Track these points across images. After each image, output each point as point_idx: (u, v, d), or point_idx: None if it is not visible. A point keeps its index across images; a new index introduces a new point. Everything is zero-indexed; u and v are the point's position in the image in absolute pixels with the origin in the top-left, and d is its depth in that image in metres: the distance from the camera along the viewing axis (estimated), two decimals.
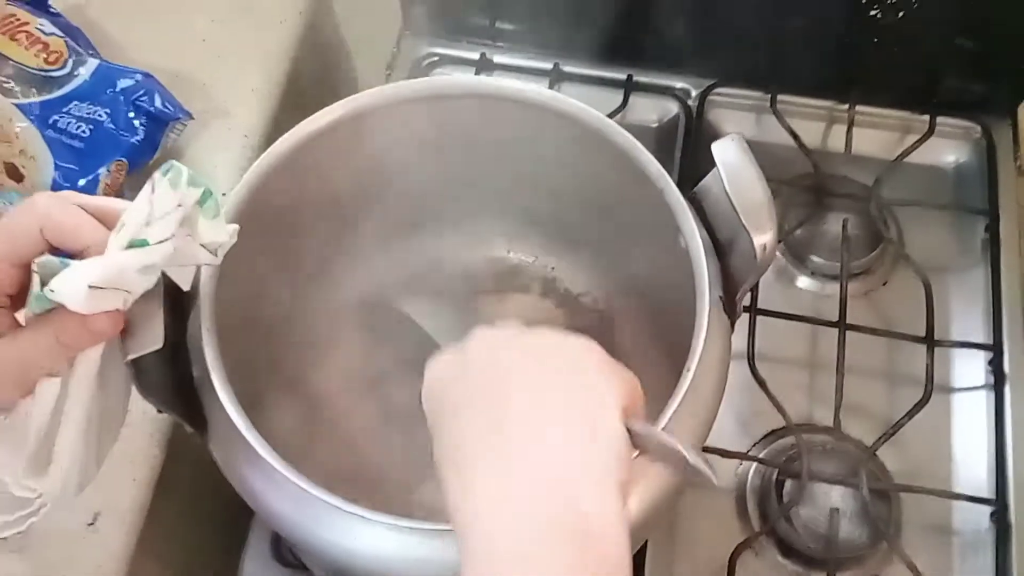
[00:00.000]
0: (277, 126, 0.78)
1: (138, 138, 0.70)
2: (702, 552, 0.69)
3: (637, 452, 0.40)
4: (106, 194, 0.69)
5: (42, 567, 0.60)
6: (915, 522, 0.70)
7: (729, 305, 0.51)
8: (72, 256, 0.42)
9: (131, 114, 0.70)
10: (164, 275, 0.44)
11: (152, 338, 0.42)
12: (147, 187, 0.41)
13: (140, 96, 0.71)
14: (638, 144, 0.53)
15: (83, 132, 0.69)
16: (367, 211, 0.60)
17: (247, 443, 0.44)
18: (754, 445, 0.73)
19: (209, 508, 0.69)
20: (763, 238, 0.48)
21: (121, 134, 0.70)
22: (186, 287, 0.46)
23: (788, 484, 0.69)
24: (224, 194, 0.57)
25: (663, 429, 0.45)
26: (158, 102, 0.71)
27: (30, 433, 0.43)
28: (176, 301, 0.47)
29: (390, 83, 0.56)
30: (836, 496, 0.69)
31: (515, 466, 0.37)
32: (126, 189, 0.71)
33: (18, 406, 0.43)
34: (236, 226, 0.44)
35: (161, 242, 0.42)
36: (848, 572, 0.68)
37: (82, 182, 0.68)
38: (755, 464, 0.71)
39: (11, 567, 0.60)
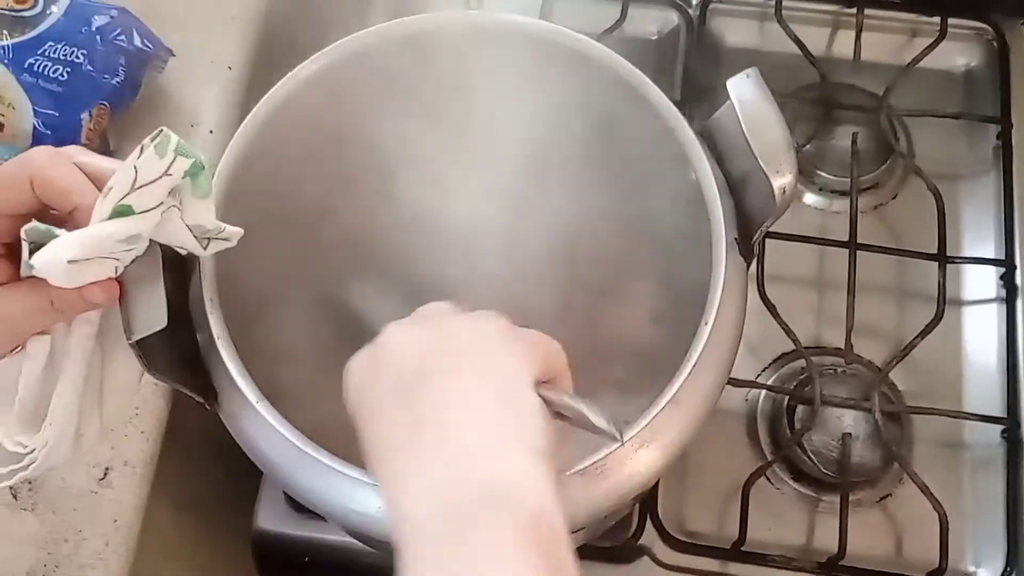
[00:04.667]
0: (262, 55, 0.75)
1: (118, 79, 0.67)
2: (714, 480, 0.69)
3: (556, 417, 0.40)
4: (89, 139, 0.66)
5: (58, 526, 0.60)
6: (926, 441, 0.71)
7: (745, 247, 0.50)
8: (60, 219, 0.42)
9: (110, 54, 0.67)
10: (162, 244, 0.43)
11: (155, 318, 0.41)
12: (135, 152, 0.40)
13: (117, 35, 0.67)
14: (648, 80, 0.51)
15: (61, 75, 0.66)
16: (357, 161, 0.58)
17: (260, 415, 0.43)
18: (764, 370, 0.73)
19: (220, 452, 0.69)
20: (782, 180, 0.46)
21: (101, 76, 0.66)
22: (184, 251, 0.45)
23: (800, 409, 0.69)
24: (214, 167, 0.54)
25: (683, 382, 0.44)
26: (137, 40, 0.68)
27: (19, 389, 0.44)
28: (175, 264, 0.46)
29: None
30: (848, 420, 0.69)
31: (432, 457, 0.37)
32: (110, 133, 0.68)
33: (9, 363, 0.44)
34: (239, 230, 0.43)
35: (147, 211, 0.41)
36: (860, 494, 0.69)
37: (64, 128, 0.65)
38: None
39: (27, 528, 0.60)
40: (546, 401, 0.39)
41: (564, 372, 0.42)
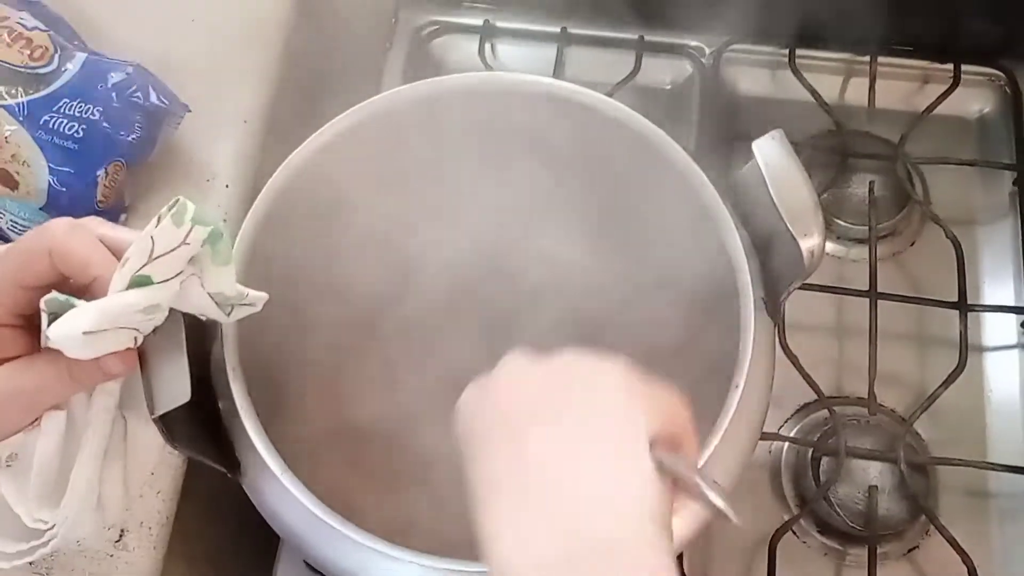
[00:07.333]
0: (277, 108, 0.75)
1: (135, 136, 0.67)
2: (739, 534, 0.68)
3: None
4: (105, 196, 0.66)
5: None
6: (952, 491, 0.70)
7: (772, 307, 0.49)
8: (79, 289, 0.41)
9: (125, 111, 0.66)
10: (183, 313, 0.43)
11: (178, 391, 0.40)
12: (152, 222, 0.40)
13: (133, 91, 0.67)
14: (668, 138, 0.51)
15: (76, 133, 0.66)
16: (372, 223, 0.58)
17: (285, 488, 0.43)
18: (786, 420, 0.72)
19: (236, 510, 0.68)
20: (811, 243, 0.45)
21: (117, 133, 0.66)
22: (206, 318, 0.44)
23: (824, 461, 0.68)
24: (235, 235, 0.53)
25: (710, 449, 0.44)
26: (153, 96, 0.68)
27: (35, 465, 0.43)
28: (195, 332, 0.45)
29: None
30: (874, 472, 0.68)
31: (539, 505, 0.36)
32: (126, 190, 0.68)
33: (27, 439, 0.43)
34: (264, 295, 0.42)
35: (166, 281, 0.40)
36: (887, 546, 0.68)
37: (79, 186, 0.65)
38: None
39: None
40: (662, 466, 0.37)
41: (687, 431, 0.40)
